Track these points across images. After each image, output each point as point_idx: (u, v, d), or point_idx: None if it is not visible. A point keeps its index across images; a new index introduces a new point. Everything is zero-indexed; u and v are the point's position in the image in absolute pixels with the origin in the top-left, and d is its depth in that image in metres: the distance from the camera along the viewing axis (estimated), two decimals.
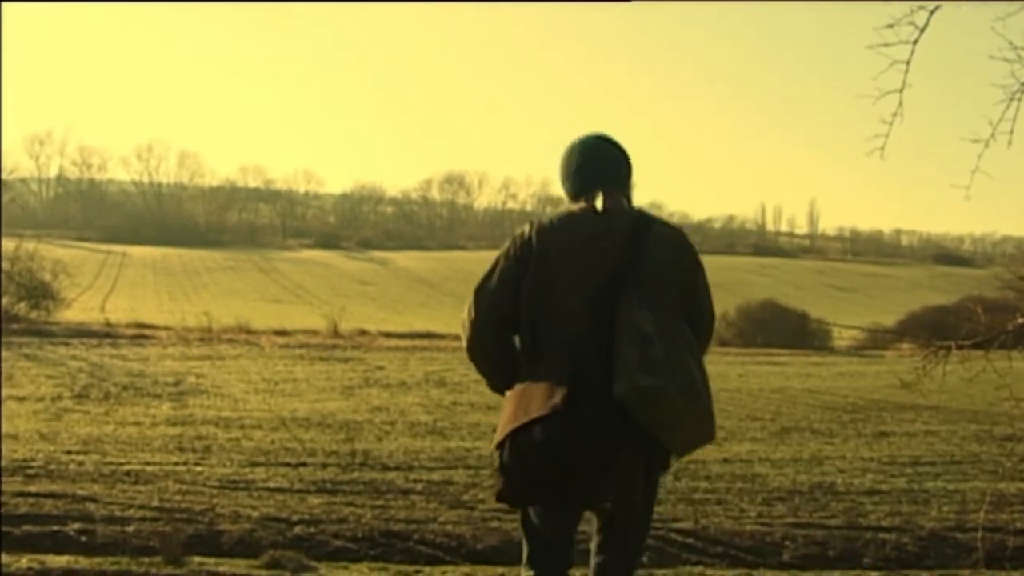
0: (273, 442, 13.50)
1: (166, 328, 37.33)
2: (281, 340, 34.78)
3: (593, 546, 3.61)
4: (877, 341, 44.92)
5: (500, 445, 3.33)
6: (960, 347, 6.01)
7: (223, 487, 10.27)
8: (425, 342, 37.69)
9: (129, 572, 7.03)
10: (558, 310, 3.26)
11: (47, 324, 35.54)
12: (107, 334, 33.87)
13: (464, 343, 3.61)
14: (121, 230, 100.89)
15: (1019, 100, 5.43)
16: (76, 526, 8.19)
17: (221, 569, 7.20)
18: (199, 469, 11.25)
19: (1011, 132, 5.47)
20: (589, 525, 3.88)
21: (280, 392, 20.09)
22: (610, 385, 3.12)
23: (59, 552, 7.54)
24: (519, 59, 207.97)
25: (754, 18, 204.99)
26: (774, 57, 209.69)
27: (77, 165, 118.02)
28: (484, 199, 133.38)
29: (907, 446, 15.01)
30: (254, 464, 11.71)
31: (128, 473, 10.80)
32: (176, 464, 11.54)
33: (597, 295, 3.22)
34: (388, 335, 39.56)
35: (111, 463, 11.38)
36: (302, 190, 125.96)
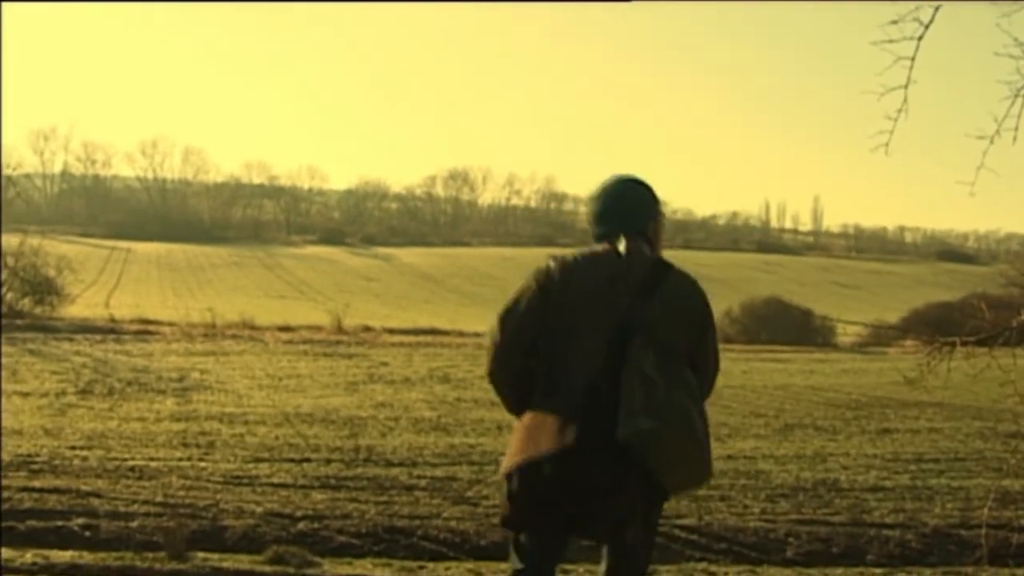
0: (277, 438, 13.51)
1: (170, 324, 37.35)
2: (285, 336, 34.80)
3: (603, 571, 3.71)
4: (881, 338, 44.87)
5: (509, 475, 3.47)
6: (964, 344, 6.00)
7: (227, 483, 10.28)
8: (429, 338, 37.70)
9: (133, 567, 7.04)
10: (574, 348, 3.41)
11: (51, 320, 35.59)
12: (111, 330, 33.91)
13: (487, 367, 3.68)
14: (125, 226, 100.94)
15: None
16: (80, 521, 8.20)
17: (225, 565, 7.21)
18: (203, 465, 11.26)
19: (1016, 129, 5.46)
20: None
21: (284, 388, 20.11)
22: (615, 425, 3.28)
23: (63, 547, 7.55)
24: (523, 55, 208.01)
25: (758, 15, 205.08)
26: (778, 54, 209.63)
27: (81, 161, 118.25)
28: (488, 195, 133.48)
29: (911, 443, 15.00)
30: (258, 460, 11.72)
31: (132, 468, 10.81)
32: (180, 460, 11.56)
33: (611, 337, 3.36)
34: (392, 331, 39.58)
35: (115, 458, 11.39)
36: (306, 186, 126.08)
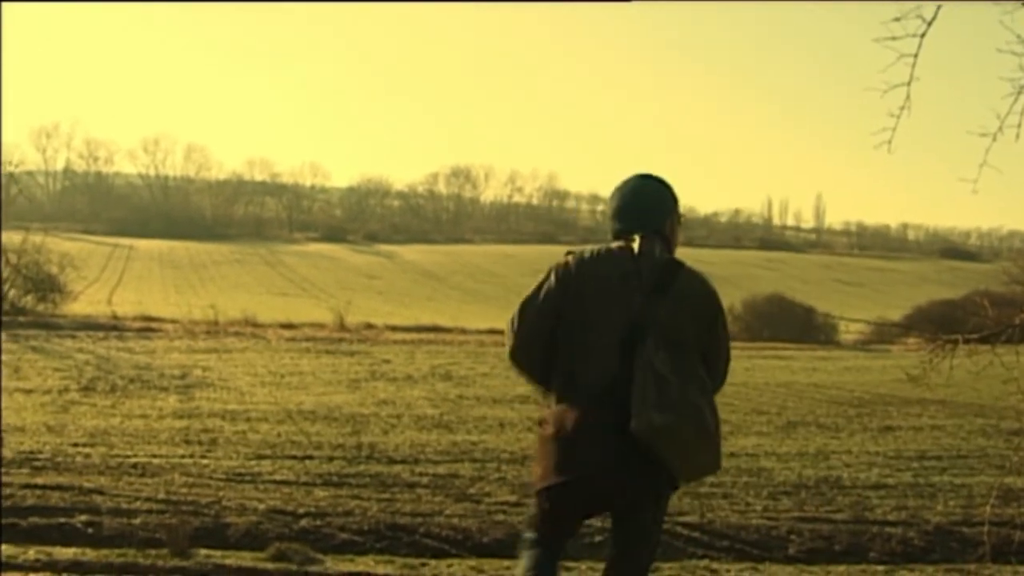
0: (279, 435, 13.52)
1: (172, 321, 37.36)
2: (287, 333, 34.81)
3: (607, 559, 3.84)
4: (883, 335, 44.83)
5: (542, 491, 3.65)
6: (967, 341, 5.99)
7: (229, 480, 10.29)
8: (431, 335, 37.69)
9: (136, 564, 7.05)
10: (590, 346, 3.58)
11: (54, 317, 35.61)
12: (114, 327, 33.93)
13: (507, 350, 3.87)
14: (128, 223, 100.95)
15: None
16: (83, 518, 8.21)
17: (227, 562, 7.21)
18: (205, 462, 11.27)
19: (1019, 126, 5.46)
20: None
21: (286, 385, 20.12)
22: (629, 420, 3.45)
23: (66, 544, 7.57)
24: (525, 53, 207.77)
25: (760, 12, 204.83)
26: (781, 51, 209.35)
27: (84, 158, 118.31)
28: (490, 192, 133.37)
29: (913, 440, 15.00)
30: (260, 457, 11.73)
31: (135, 465, 10.82)
32: (182, 457, 11.57)
33: (624, 334, 3.53)
34: (394, 328, 39.58)
35: (118, 455, 11.41)
36: (308, 183, 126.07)
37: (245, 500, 9.22)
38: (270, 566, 7.16)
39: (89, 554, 7.28)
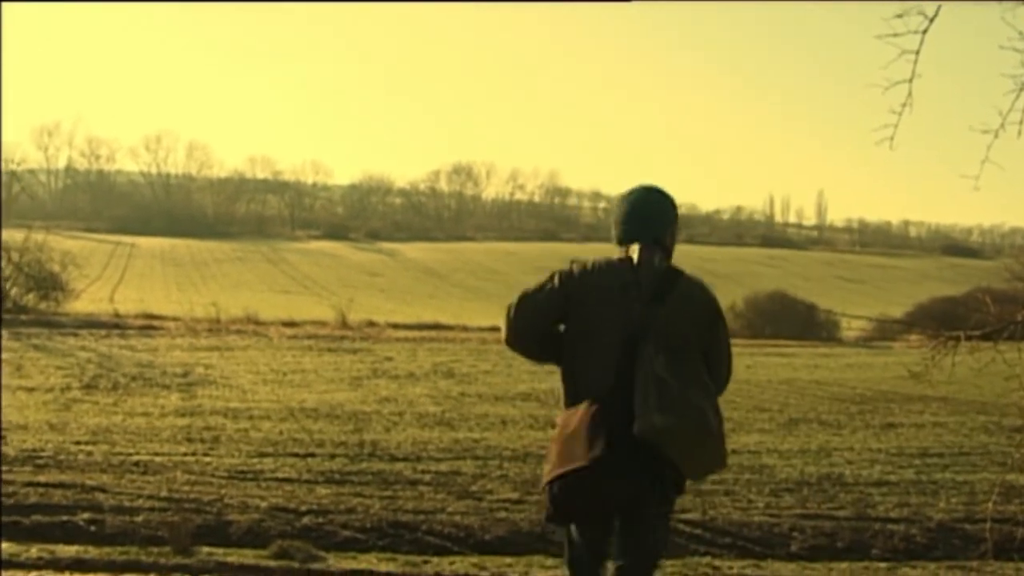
0: (281, 433, 13.53)
1: (174, 319, 37.38)
2: (289, 331, 34.82)
3: (614, 558, 3.98)
4: (885, 332, 44.78)
5: (551, 482, 3.83)
6: (969, 338, 5.99)
7: (231, 477, 10.30)
8: (433, 333, 37.70)
9: (138, 562, 7.05)
10: (594, 352, 3.79)
11: (56, 315, 35.62)
12: (116, 325, 33.95)
13: (503, 337, 4.09)
14: (130, 221, 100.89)
15: None
16: (85, 516, 8.23)
17: (229, 559, 7.22)
18: (207, 459, 11.28)
19: (1020, 122, 5.45)
20: None
21: (288, 383, 20.13)
22: (632, 423, 3.64)
23: (68, 542, 7.58)
24: (527, 50, 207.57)
25: (761, 10, 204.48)
26: (782, 48, 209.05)
27: (86, 156, 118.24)
28: (492, 190, 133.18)
29: (915, 437, 15.00)
30: (262, 455, 11.74)
31: (137, 463, 10.83)
32: (185, 454, 11.58)
33: (625, 341, 3.73)
34: (396, 326, 39.58)
35: (120, 453, 11.42)
36: (310, 181, 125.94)
37: (247, 498, 9.23)
38: (272, 564, 7.17)
39: (91, 552, 7.29)
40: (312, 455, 11.79)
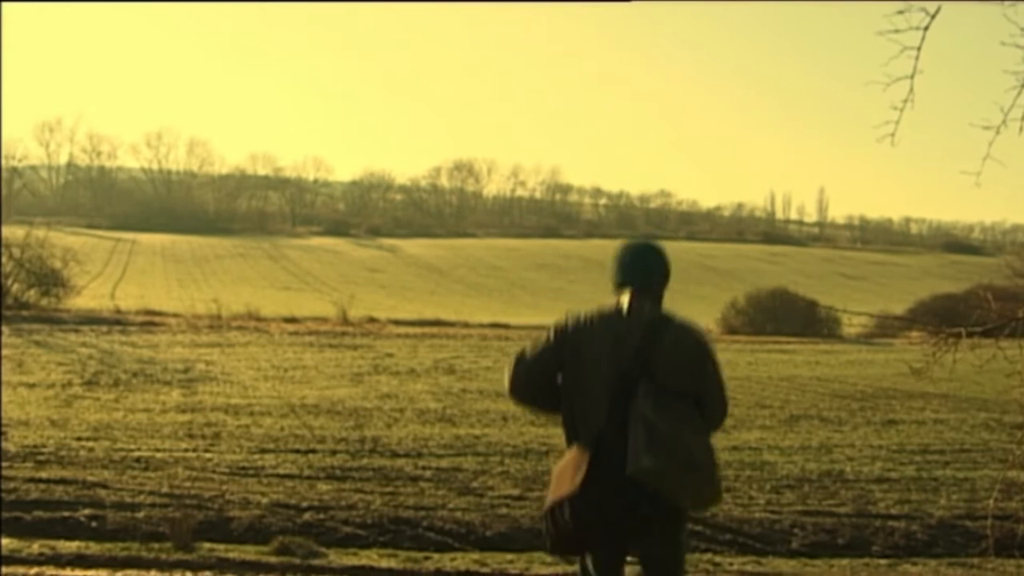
0: (282, 429, 13.53)
1: (175, 315, 37.39)
2: (290, 327, 34.80)
3: None
4: (886, 329, 44.73)
5: (547, 513, 4.10)
6: (970, 335, 5.99)
7: (232, 474, 10.31)
8: (434, 329, 37.67)
9: (139, 558, 7.06)
10: (587, 400, 4.06)
11: (57, 311, 35.63)
12: (117, 321, 33.94)
13: (506, 387, 4.40)
14: (131, 217, 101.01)
15: None
16: (87, 512, 8.24)
17: (231, 555, 7.23)
18: (208, 456, 11.29)
19: (1022, 119, 5.44)
20: None
21: (289, 379, 20.13)
22: (623, 464, 3.91)
23: (70, 538, 7.58)
24: (528, 47, 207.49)
25: (762, 6, 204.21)
26: (783, 45, 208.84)
27: (87, 152, 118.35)
28: (493, 186, 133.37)
29: (916, 434, 14.99)
30: (263, 451, 11.75)
31: (138, 459, 10.84)
32: (186, 451, 11.58)
33: (617, 387, 3.98)
34: (397, 322, 39.55)
35: (121, 449, 11.43)
36: (311, 177, 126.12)
37: (248, 494, 9.24)
38: (273, 560, 7.18)
39: (93, 548, 7.30)
40: (313, 451, 11.80)
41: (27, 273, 37.10)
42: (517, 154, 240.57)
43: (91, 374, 19.46)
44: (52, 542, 7.37)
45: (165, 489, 9.30)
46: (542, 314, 50.50)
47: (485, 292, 71.45)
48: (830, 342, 40.34)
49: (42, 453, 10.95)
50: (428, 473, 10.64)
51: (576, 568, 4.43)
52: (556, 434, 13.02)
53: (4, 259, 36.09)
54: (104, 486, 9.31)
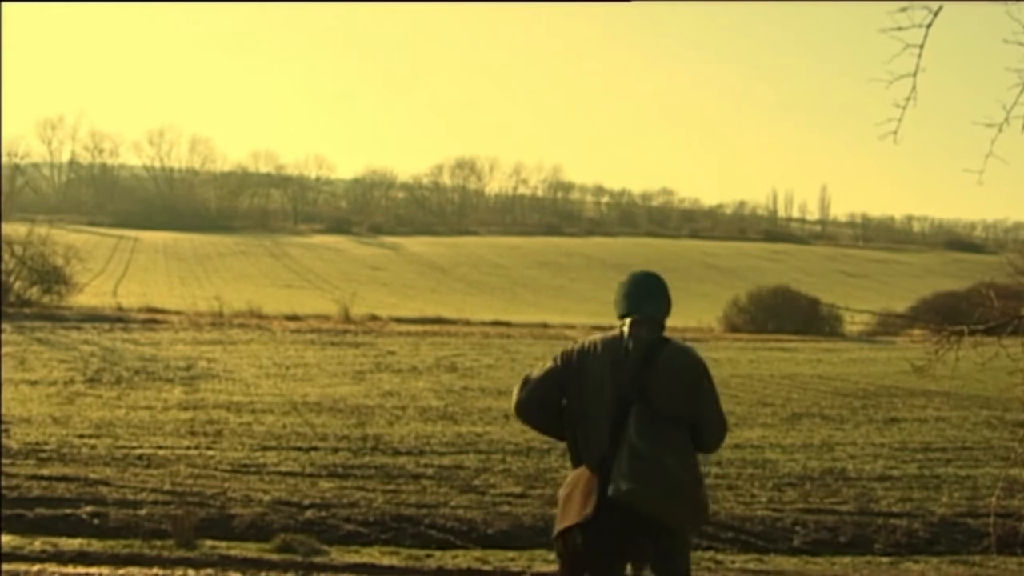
0: (284, 426, 13.54)
1: (177, 313, 37.43)
2: (292, 325, 34.84)
3: None
4: (888, 327, 44.71)
5: (558, 536, 4.27)
6: (972, 332, 5.97)
7: (235, 471, 10.31)
8: (436, 327, 37.69)
9: (141, 555, 7.07)
10: (591, 423, 4.22)
11: (59, 309, 35.67)
12: (119, 318, 33.97)
13: (513, 407, 4.54)
14: (133, 215, 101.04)
15: None
16: (89, 509, 8.24)
17: (233, 553, 7.23)
18: (211, 453, 11.29)
19: None
20: None
21: (291, 377, 20.14)
22: None
23: (72, 535, 7.59)
24: (531, 45, 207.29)
25: (765, 4, 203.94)
26: (785, 42, 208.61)
27: (89, 150, 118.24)
28: (495, 184, 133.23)
29: (918, 432, 14.99)
30: (265, 448, 11.75)
31: (140, 457, 10.85)
32: (188, 448, 11.59)
33: (617, 410, 4.14)
34: (399, 320, 39.59)
35: (123, 447, 11.43)
36: (313, 175, 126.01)
37: (250, 491, 9.25)
38: (275, 557, 7.18)
39: (95, 545, 7.30)
40: (315, 449, 11.81)
41: (29, 271, 37.15)
42: (519, 152, 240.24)
43: (93, 371, 19.48)
44: (54, 539, 7.38)
45: (167, 486, 9.30)
46: (544, 312, 50.52)
47: (487, 290, 71.46)
48: (832, 340, 40.35)
49: (44, 450, 10.96)
50: (430, 471, 10.64)
51: None
52: None
53: (6, 257, 36.14)
54: (106, 483, 9.32)
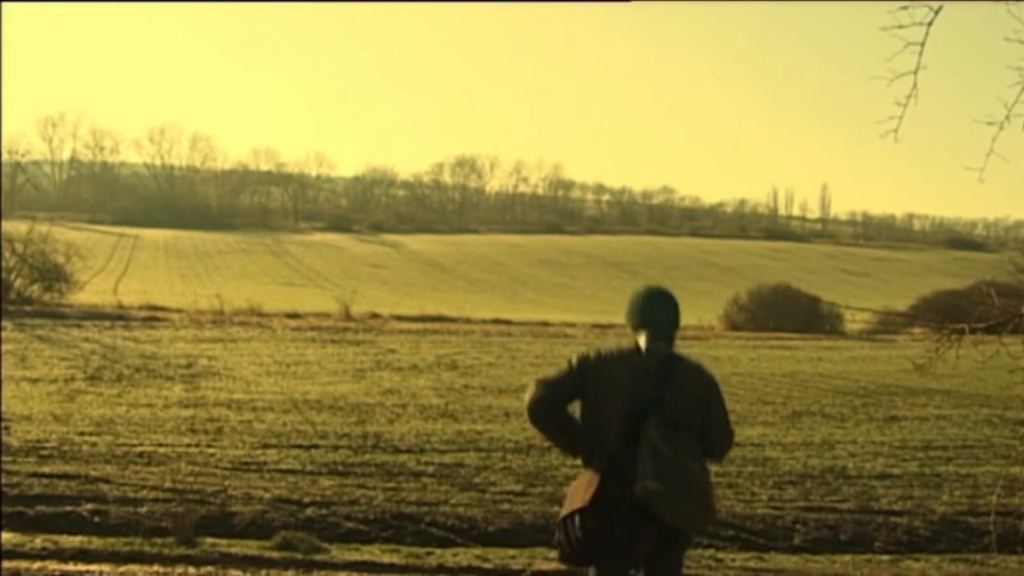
0: (285, 424, 13.54)
1: (178, 310, 37.42)
2: (293, 323, 34.83)
3: None
4: (889, 325, 44.69)
5: (561, 522, 4.45)
6: (973, 331, 5.97)
7: (235, 469, 10.32)
8: (436, 325, 37.67)
9: (142, 553, 7.07)
10: (604, 426, 4.42)
11: (60, 306, 35.66)
12: (119, 316, 33.96)
13: (526, 409, 4.65)
14: (134, 213, 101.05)
15: None
16: (89, 507, 8.24)
17: (233, 550, 7.23)
18: (211, 451, 11.30)
19: None
20: None
21: (292, 375, 20.14)
22: (631, 485, 4.27)
23: (72, 533, 7.59)
24: (531, 43, 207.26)
25: (765, 2, 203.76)
26: (786, 40, 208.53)
27: (90, 148, 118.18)
28: (496, 182, 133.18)
29: (919, 430, 15.00)
30: (266, 446, 11.76)
31: (141, 454, 10.85)
32: (188, 446, 11.59)
33: (630, 416, 4.36)
34: (400, 318, 39.57)
35: (124, 444, 11.44)
36: (314, 173, 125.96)
37: (251, 489, 9.25)
38: (275, 555, 7.18)
39: (95, 542, 7.30)
40: (315, 447, 11.81)
41: (30, 268, 37.14)
42: (520, 150, 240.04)
43: (94, 369, 19.48)
44: (55, 537, 7.38)
45: (168, 484, 9.31)
46: (544, 310, 50.52)
47: (487, 288, 71.45)
48: (832, 338, 40.34)
49: (45, 448, 10.96)
50: (430, 469, 10.65)
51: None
52: None
53: (7, 254, 36.13)
54: (107, 481, 9.32)
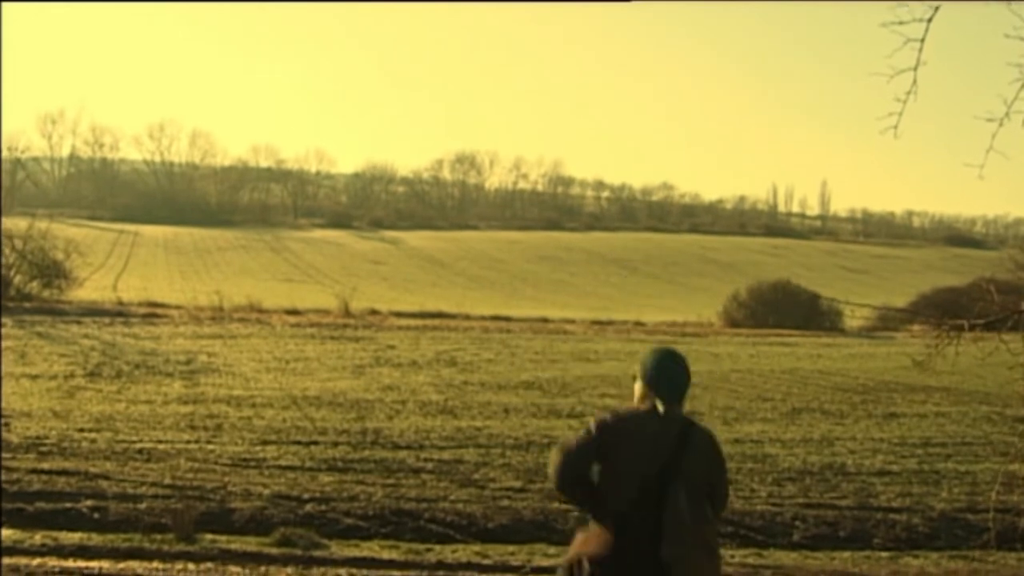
0: (284, 420, 13.54)
1: (178, 307, 37.40)
2: (292, 319, 34.82)
3: None
4: (888, 322, 44.70)
5: (567, 566, 4.49)
6: (972, 328, 5.98)
7: (235, 465, 10.32)
8: (436, 322, 37.67)
9: (141, 549, 7.07)
10: (621, 485, 4.48)
11: (59, 303, 35.65)
12: (119, 313, 33.95)
13: (552, 479, 4.73)
14: (133, 209, 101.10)
15: None
16: (89, 503, 8.24)
17: (233, 546, 7.24)
18: (211, 447, 11.30)
19: None
20: None
21: (291, 371, 20.14)
22: (652, 545, 4.38)
23: (72, 529, 7.60)
24: (531, 39, 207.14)
25: (765, 1, 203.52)
26: (786, 37, 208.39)
27: (89, 144, 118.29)
28: (495, 179, 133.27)
29: (918, 427, 15.00)
30: (265, 442, 11.76)
31: (140, 451, 10.86)
32: (188, 442, 11.60)
33: (649, 477, 4.46)
34: (399, 315, 39.56)
35: (123, 441, 11.44)
36: (314, 170, 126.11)
37: (250, 485, 9.25)
38: (275, 551, 7.18)
39: (95, 539, 7.31)
40: (315, 443, 11.81)
41: (29, 265, 37.13)
42: (519, 146, 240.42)
43: (93, 365, 19.48)
44: (54, 533, 7.39)
45: (167, 480, 9.31)
46: (544, 307, 50.53)
47: (487, 284, 71.46)
48: (832, 335, 40.36)
49: (44, 444, 10.96)
50: (430, 465, 10.65)
51: None
52: (558, 426, 13.09)
53: (7, 251, 36.12)
54: (106, 477, 9.33)
